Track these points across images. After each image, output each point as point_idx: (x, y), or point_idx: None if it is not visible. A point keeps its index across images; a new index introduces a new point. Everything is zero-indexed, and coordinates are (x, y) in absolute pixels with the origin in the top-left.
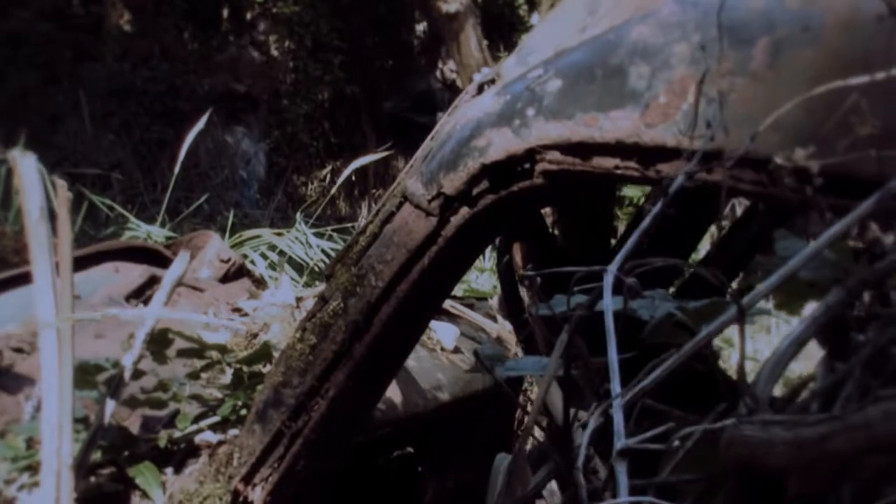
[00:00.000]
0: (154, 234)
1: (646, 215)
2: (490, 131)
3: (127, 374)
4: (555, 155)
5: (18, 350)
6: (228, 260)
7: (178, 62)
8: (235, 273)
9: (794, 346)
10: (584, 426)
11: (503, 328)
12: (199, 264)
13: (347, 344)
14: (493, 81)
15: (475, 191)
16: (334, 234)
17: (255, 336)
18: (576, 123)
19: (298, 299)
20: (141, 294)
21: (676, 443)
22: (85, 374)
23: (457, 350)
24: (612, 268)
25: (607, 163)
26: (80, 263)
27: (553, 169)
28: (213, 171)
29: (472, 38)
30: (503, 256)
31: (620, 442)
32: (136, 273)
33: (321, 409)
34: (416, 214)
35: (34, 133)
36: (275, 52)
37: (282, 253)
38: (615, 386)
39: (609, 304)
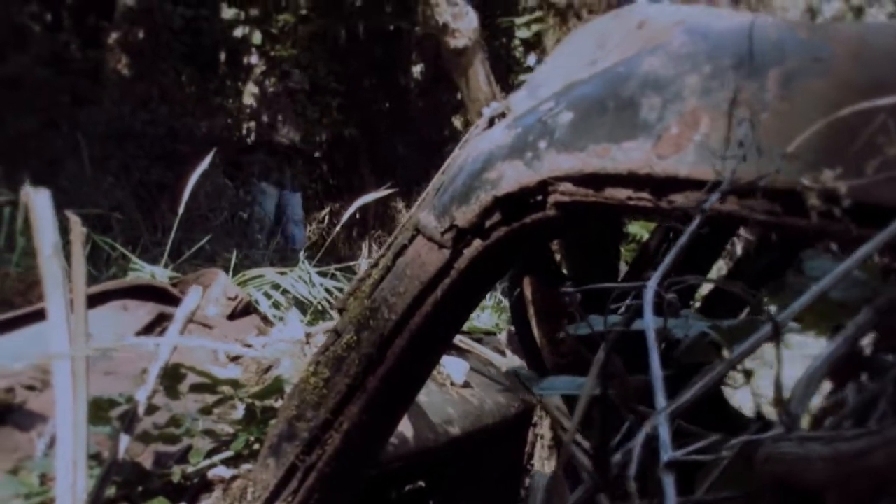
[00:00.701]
0: (157, 274)
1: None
2: (502, 164)
3: (141, 410)
4: (567, 186)
5: (31, 387)
6: (235, 297)
7: (177, 105)
8: (243, 310)
9: (828, 364)
10: (617, 446)
11: (512, 363)
12: (206, 302)
13: (361, 377)
14: (503, 115)
15: (488, 223)
16: (337, 273)
17: (266, 371)
18: (588, 155)
19: (308, 335)
20: (150, 331)
21: (725, 453)
22: (98, 410)
23: (466, 385)
24: (652, 283)
25: (620, 194)
26: (88, 302)
27: (565, 200)
28: (212, 213)
29: (480, 73)
30: (514, 290)
31: (667, 454)
32: (144, 311)
33: (335, 443)
34: (429, 247)
35: (35, 176)
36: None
37: (285, 292)
38: (660, 399)
39: (650, 319)
